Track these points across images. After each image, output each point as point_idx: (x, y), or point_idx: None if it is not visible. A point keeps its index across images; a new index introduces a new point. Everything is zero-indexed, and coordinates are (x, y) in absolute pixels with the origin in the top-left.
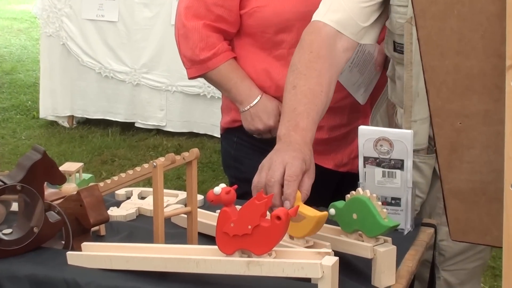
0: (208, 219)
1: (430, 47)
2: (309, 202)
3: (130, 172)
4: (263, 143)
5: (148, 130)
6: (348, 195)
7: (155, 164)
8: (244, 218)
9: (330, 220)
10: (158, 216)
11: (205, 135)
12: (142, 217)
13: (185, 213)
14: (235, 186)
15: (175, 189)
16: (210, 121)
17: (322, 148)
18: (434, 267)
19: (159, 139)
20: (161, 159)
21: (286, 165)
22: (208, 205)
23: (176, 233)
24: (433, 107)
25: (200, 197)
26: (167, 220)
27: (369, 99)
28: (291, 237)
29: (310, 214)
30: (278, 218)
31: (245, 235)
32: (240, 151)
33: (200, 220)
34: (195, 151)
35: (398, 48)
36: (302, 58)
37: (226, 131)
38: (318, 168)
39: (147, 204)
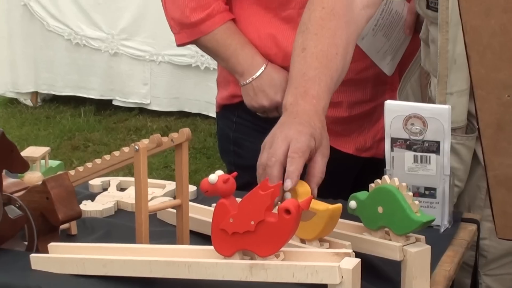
0: (202, 214)
1: (472, 3)
2: (325, 193)
3: (107, 157)
4: (268, 123)
5: (129, 109)
6: (372, 185)
7: (137, 147)
8: (245, 213)
9: (350, 215)
10: (141, 211)
11: (198, 114)
12: (122, 213)
13: (174, 207)
14: (234, 174)
15: (162, 179)
16: (204, 97)
17: (341, 129)
18: (476, 271)
19: (142, 120)
20: (145, 141)
21: (291, 142)
22: (202, 198)
23: (163, 232)
24: (475, 76)
25: (192, 188)
26: (152, 216)
27: (397, 69)
28: (302, 241)
29: (320, 208)
30: (287, 211)
31: (247, 232)
32: (240, 132)
33: (192, 216)
34: (185, 131)
35: (432, 4)
36: (312, 16)
37: (224, 109)
38: (336, 153)
39: (128, 197)
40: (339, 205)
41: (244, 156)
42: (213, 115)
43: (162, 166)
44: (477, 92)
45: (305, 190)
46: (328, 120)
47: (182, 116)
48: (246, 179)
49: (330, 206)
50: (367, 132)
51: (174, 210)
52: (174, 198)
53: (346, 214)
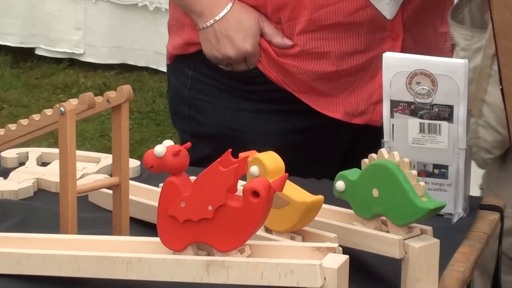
0: (145, 196)
1: None
2: (307, 171)
3: (24, 122)
4: (234, 79)
5: (56, 61)
6: (366, 160)
7: (62, 109)
8: (201, 195)
9: (337, 200)
10: (67, 192)
11: (146, 69)
12: (43, 194)
13: (110, 188)
14: (188, 144)
15: (96, 151)
16: (153, 47)
17: (327, 87)
18: (498, 276)
19: (73, 74)
20: (73, 101)
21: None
22: (147, 176)
23: (95, 219)
24: (498, 22)
25: (134, 163)
26: (82, 198)
27: (400, 12)
28: (268, 231)
29: (296, 198)
30: (255, 194)
31: (203, 220)
32: (197, 91)
33: (133, 199)
34: (125, 89)
35: None
36: None
37: (176, 61)
38: (320, 118)
39: (51, 174)
40: (320, 197)
41: (202, 122)
42: (165, 69)
43: (97, 135)
44: (500, 43)
45: (277, 166)
46: (310, 76)
47: (125, 71)
48: (204, 152)
49: (309, 198)
50: (359, 92)
51: (111, 191)
52: (111, 175)
53: (332, 198)
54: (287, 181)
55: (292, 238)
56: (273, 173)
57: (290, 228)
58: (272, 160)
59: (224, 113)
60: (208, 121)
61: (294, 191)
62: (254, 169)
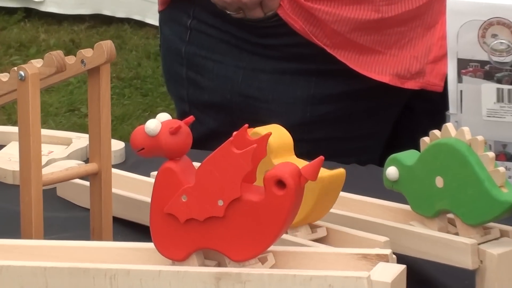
0: (133, 189)
1: None
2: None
3: None
4: (247, 30)
5: (9, 12)
6: (426, 139)
7: (22, 73)
8: (209, 185)
9: (387, 192)
10: (29, 183)
11: (127, 20)
12: None
13: (86, 177)
14: (190, 118)
15: (65, 130)
16: None
17: (369, 41)
18: None
19: (30, 29)
20: (36, 63)
21: None
22: (135, 161)
23: (67, 219)
24: None
25: (117, 144)
26: (49, 192)
27: None
28: None
29: None
30: (280, 184)
31: (211, 220)
32: (198, 46)
33: (117, 192)
34: (106, 46)
35: None
36: None
37: (171, 6)
38: (361, 81)
39: (6, 161)
40: (340, 171)
41: (205, 87)
42: (153, 21)
43: (64, 109)
44: None
45: (283, 143)
46: (347, 26)
47: (99, 24)
48: (208, 127)
49: (325, 173)
50: (413, 47)
51: (87, 183)
52: (87, 161)
53: (381, 189)
54: (292, 155)
55: (313, 232)
56: (277, 153)
57: (305, 219)
58: (276, 136)
59: (233, 74)
60: (213, 85)
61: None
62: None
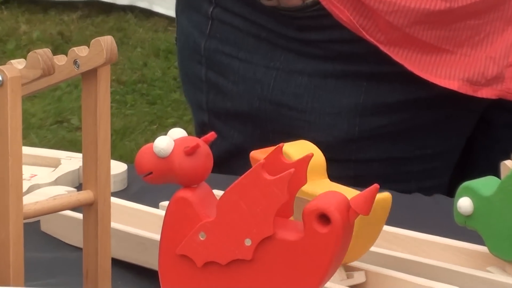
0: (137, 223)
1: None
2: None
3: None
4: (282, 21)
5: None
6: (507, 163)
7: (0, 77)
8: (233, 221)
9: (460, 230)
10: (7, 216)
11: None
12: None
13: (77, 208)
14: (211, 135)
15: (51, 148)
16: None
17: (434, 37)
18: None
19: (8, 18)
20: (17, 63)
21: None
22: (140, 187)
23: (54, 261)
24: None
25: (118, 167)
26: (31, 227)
27: None
28: None
29: None
30: (324, 219)
31: (236, 264)
32: (221, 40)
33: (117, 227)
34: (105, 42)
35: None
36: None
37: None
38: (424, 87)
39: None
40: (385, 195)
41: (228, 91)
42: (163, 10)
43: (50, 121)
44: None
45: (315, 163)
46: (406, 17)
47: (96, 13)
48: (232, 142)
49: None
50: (489, 45)
51: (79, 215)
52: (79, 188)
53: (452, 225)
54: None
55: (349, 276)
56: (308, 176)
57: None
58: (302, 151)
59: (264, 77)
60: (239, 90)
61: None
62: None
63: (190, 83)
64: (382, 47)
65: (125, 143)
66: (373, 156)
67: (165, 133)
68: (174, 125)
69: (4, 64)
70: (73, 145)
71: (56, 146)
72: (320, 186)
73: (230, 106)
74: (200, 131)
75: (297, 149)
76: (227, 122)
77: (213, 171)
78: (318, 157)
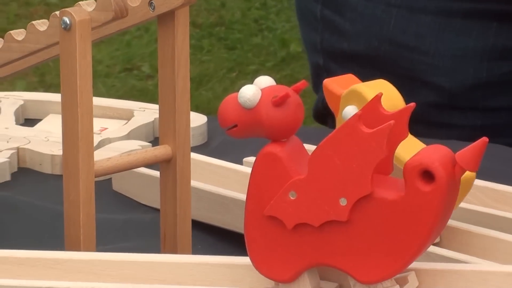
0: (219, 182)
1: None
2: None
3: None
4: None
5: None
6: None
7: (67, 21)
8: (326, 178)
9: None
10: (77, 173)
11: None
12: (30, 177)
13: (154, 165)
14: (303, 83)
15: (118, 98)
16: None
17: None
18: None
19: None
20: (86, 5)
21: None
22: (220, 143)
23: (127, 223)
24: None
25: (197, 119)
26: (103, 185)
27: None
28: None
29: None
30: (428, 175)
31: (331, 226)
32: None
33: (197, 186)
34: None
35: None
36: None
37: None
38: None
39: (42, 141)
40: (470, 174)
41: (346, 30)
42: None
43: (120, 68)
44: None
45: (393, 104)
46: None
47: None
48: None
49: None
50: None
51: (156, 172)
52: (154, 143)
53: None
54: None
55: None
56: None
57: None
58: (384, 96)
59: (384, 14)
60: (356, 28)
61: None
62: (350, 112)
63: (305, 21)
64: None
65: (202, 93)
66: (502, 105)
67: (249, 81)
68: (255, 72)
69: (68, 6)
70: (144, 95)
71: (126, 96)
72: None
73: (347, 47)
74: (315, 75)
75: (375, 89)
76: (343, 64)
77: (320, 122)
78: (397, 99)
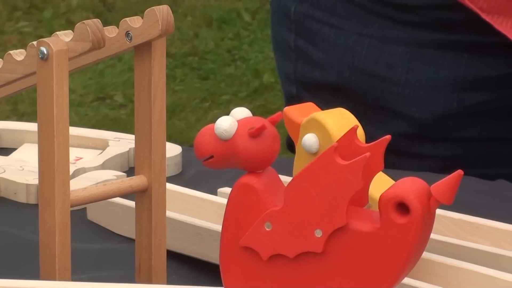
0: (194, 212)
1: None
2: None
3: None
4: None
5: None
6: None
7: (45, 51)
8: (302, 209)
9: None
10: (53, 203)
11: None
12: (5, 207)
13: (128, 195)
14: (278, 115)
15: (90, 127)
16: None
17: None
18: None
19: None
20: (63, 35)
21: None
22: (194, 173)
23: (102, 252)
24: None
25: (172, 149)
26: (78, 214)
27: None
28: None
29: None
30: (403, 208)
31: (306, 257)
32: (312, 4)
33: (172, 216)
34: (161, 12)
35: None
36: None
37: None
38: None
39: (17, 170)
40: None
41: (318, 60)
42: None
43: (92, 97)
44: None
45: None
46: None
47: None
48: None
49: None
50: None
51: (131, 203)
52: (129, 173)
53: None
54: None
55: None
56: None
57: None
58: (340, 122)
59: (356, 45)
60: (328, 58)
61: (381, 186)
62: (309, 140)
63: (279, 51)
64: (484, 15)
65: (175, 122)
66: (473, 135)
67: (222, 111)
68: (228, 102)
69: (42, 35)
70: (116, 124)
71: (98, 125)
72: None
73: (319, 77)
74: (288, 104)
75: (333, 118)
76: (316, 94)
77: (293, 152)
78: (353, 125)
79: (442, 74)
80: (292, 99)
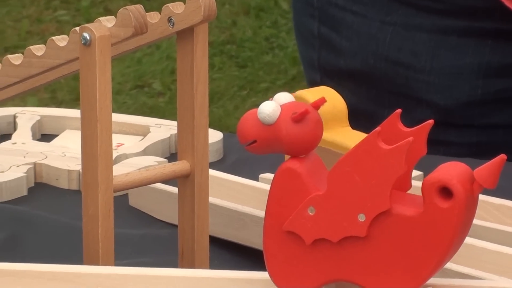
0: (236, 197)
1: None
2: None
3: (14, 60)
4: None
5: None
6: None
7: (87, 37)
8: (345, 194)
9: None
10: (96, 189)
11: None
12: (46, 192)
13: (171, 180)
14: (321, 100)
15: (130, 113)
16: None
17: None
18: None
19: None
20: (105, 21)
21: None
22: (238, 157)
23: (144, 238)
24: None
25: (213, 135)
26: (120, 200)
27: None
28: None
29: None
30: (446, 192)
31: (349, 241)
32: None
33: (215, 202)
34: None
35: None
36: None
37: None
38: None
39: (59, 156)
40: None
41: (342, 48)
42: None
43: (131, 85)
44: None
45: (336, 113)
46: None
47: None
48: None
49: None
50: None
51: (174, 188)
52: (170, 159)
53: None
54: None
55: None
56: (327, 125)
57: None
58: (328, 102)
59: (379, 32)
60: (352, 46)
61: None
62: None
63: (303, 39)
64: (507, 3)
65: (213, 110)
66: (498, 122)
67: (260, 99)
68: (266, 90)
69: (80, 23)
70: (155, 112)
71: (137, 113)
72: (344, 135)
73: (343, 64)
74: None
75: (317, 95)
76: (340, 82)
77: None
78: (340, 104)
79: (467, 61)
80: (315, 86)
